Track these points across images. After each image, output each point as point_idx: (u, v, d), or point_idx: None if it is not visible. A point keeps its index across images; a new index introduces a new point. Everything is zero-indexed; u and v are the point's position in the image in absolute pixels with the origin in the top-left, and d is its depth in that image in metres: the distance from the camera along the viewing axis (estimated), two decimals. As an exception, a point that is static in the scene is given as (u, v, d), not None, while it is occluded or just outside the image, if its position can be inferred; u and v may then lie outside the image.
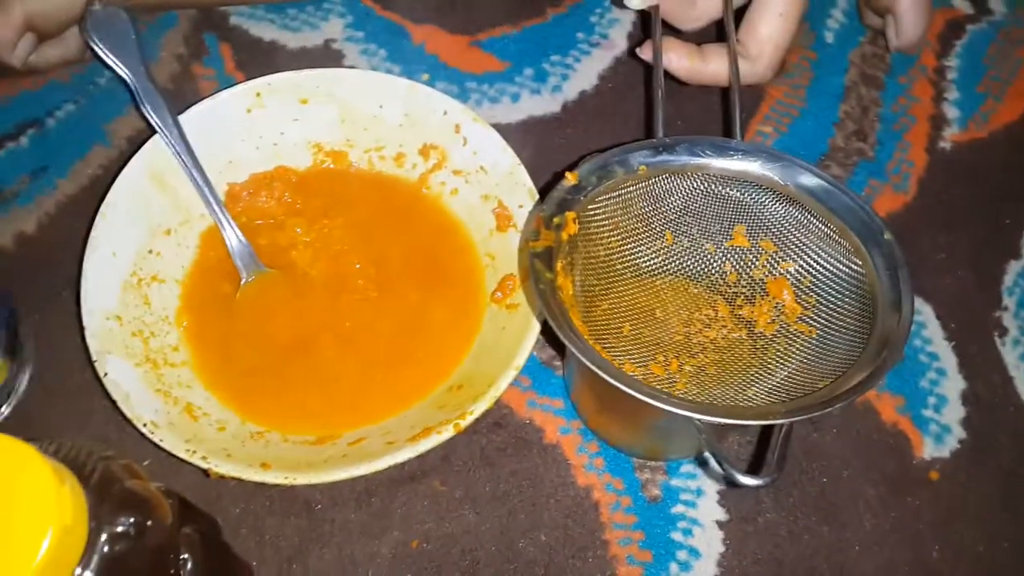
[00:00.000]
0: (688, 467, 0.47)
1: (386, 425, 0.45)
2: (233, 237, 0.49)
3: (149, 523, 0.31)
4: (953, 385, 0.50)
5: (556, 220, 0.41)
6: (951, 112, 0.59)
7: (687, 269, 0.46)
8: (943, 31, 0.62)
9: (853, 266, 0.41)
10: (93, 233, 0.46)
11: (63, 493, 0.27)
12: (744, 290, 0.44)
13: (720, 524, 0.46)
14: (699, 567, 0.45)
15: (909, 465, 0.48)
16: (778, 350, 0.42)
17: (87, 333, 0.44)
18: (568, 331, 0.37)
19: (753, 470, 0.36)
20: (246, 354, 0.48)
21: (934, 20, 0.59)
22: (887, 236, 0.40)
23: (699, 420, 0.35)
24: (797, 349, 0.42)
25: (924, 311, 0.52)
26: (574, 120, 0.58)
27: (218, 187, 0.51)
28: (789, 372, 0.41)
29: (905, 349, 0.50)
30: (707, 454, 0.40)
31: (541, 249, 0.40)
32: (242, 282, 0.49)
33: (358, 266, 0.50)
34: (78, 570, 0.28)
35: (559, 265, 0.40)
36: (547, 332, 0.46)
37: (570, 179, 0.42)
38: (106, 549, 0.29)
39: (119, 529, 0.30)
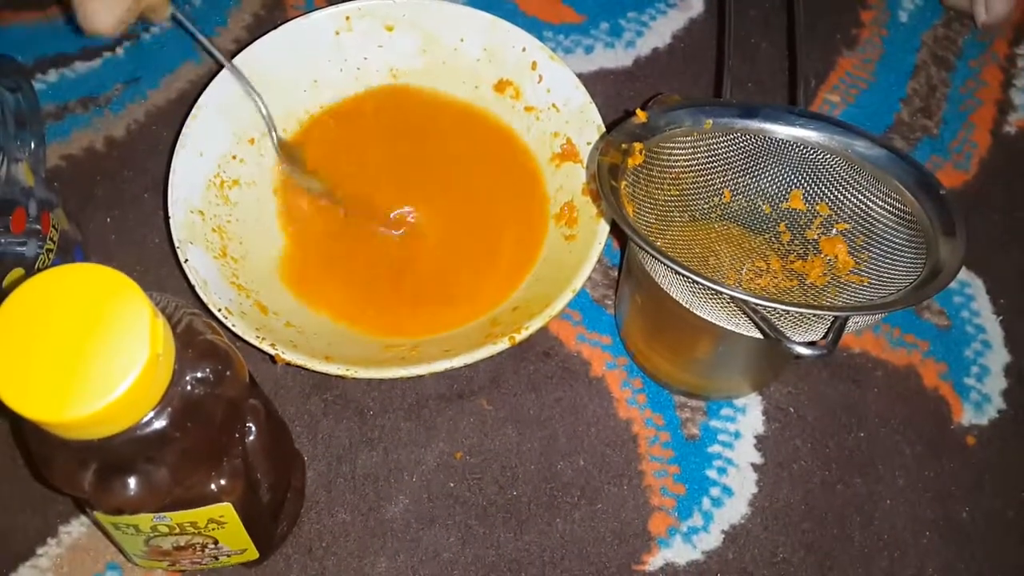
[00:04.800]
0: (728, 410, 0.49)
1: (444, 337, 0.47)
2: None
3: (228, 373, 0.33)
4: (997, 358, 0.51)
5: (624, 146, 0.42)
6: (1018, 98, 0.59)
7: (742, 226, 0.47)
8: (1018, 20, 0.62)
9: (908, 220, 0.42)
10: (184, 131, 0.48)
11: (157, 324, 0.29)
12: (797, 248, 0.45)
13: (755, 467, 0.47)
14: (731, 504, 0.46)
15: (947, 429, 0.49)
16: (828, 297, 0.44)
17: (172, 222, 0.46)
18: (632, 227, 0.38)
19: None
20: (323, 256, 0.50)
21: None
22: (943, 192, 0.41)
23: (755, 304, 0.36)
24: (848, 295, 0.43)
25: (974, 284, 0.52)
26: (645, 75, 0.59)
27: (300, 106, 0.53)
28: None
29: (953, 319, 0.51)
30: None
31: (608, 165, 0.41)
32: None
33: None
34: (153, 413, 0.30)
35: (623, 185, 0.41)
36: (615, 230, 0.48)
37: (640, 117, 0.43)
38: (188, 388, 0.31)
39: (199, 375, 0.32)
